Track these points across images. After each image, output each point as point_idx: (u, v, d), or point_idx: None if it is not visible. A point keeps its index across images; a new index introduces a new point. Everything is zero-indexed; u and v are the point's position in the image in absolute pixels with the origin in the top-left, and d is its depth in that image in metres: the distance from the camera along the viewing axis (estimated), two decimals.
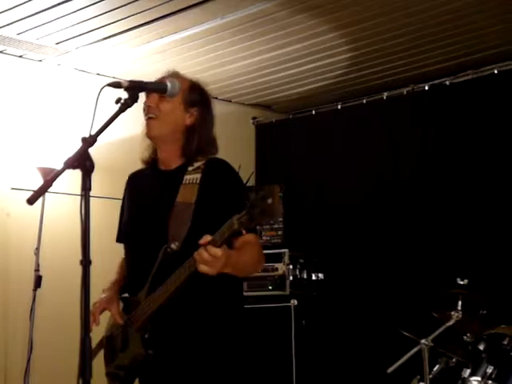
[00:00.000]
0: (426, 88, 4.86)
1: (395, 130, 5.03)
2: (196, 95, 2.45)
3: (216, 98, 5.63)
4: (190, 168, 2.41)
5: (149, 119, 2.40)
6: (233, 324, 2.38)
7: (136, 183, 2.57)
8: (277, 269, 4.50)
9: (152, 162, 2.51)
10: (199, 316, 2.31)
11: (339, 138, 5.30)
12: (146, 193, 2.49)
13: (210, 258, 2.06)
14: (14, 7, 3.82)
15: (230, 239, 2.12)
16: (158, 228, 2.34)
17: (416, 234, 4.72)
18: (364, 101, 5.18)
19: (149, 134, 2.42)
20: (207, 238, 2.09)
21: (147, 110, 2.39)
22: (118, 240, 2.62)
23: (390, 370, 3.48)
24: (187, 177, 2.39)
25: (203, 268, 2.07)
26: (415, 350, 3.41)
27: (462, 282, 3.58)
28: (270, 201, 1.91)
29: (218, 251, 2.05)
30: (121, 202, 2.63)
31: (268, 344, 4.42)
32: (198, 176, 2.37)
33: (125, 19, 4.03)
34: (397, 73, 5.03)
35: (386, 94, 5.06)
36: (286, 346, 4.37)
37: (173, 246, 2.26)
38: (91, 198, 1.81)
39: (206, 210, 2.33)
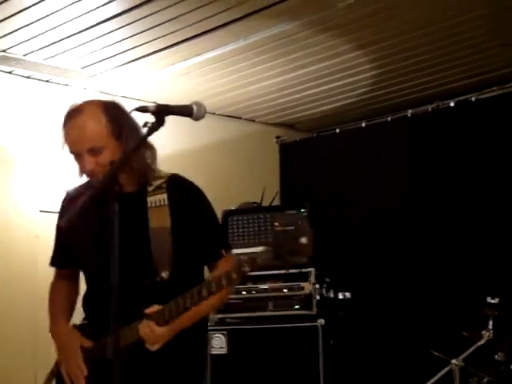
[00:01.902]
0: (452, 104, 4.83)
1: (420, 147, 5.00)
2: (116, 123, 2.23)
3: (240, 118, 5.67)
4: (150, 188, 2.31)
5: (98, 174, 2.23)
6: (202, 352, 2.43)
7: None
8: (303, 288, 4.47)
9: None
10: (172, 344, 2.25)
11: (364, 156, 5.29)
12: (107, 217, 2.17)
13: (151, 335, 2.14)
14: (40, 34, 3.89)
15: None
16: (141, 256, 2.25)
17: (445, 253, 4.67)
18: (388, 118, 5.16)
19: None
20: (154, 308, 2.15)
21: (91, 174, 2.26)
22: (55, 264, 2.54)
23: None
24: (151, 199, 2.30)
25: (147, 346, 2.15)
26: (446, 370, 3.38)
27: (492, 301, 3.54)
28: (304, 240, 1.82)
29: (159, 331, 2.13)
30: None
31: (295, 364, 4.38)
32: (164, 197, 2.29)
33: (149, 42, 4.08)
34: (421, 90, 5.01)
35: (410, 111, 5.04)
36: (313, 366, 4.33)
37: (163, 275, 2.23)
38: None
39: (182, 233, 2.28)
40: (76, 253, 2.45)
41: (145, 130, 1.99)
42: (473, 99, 4.74)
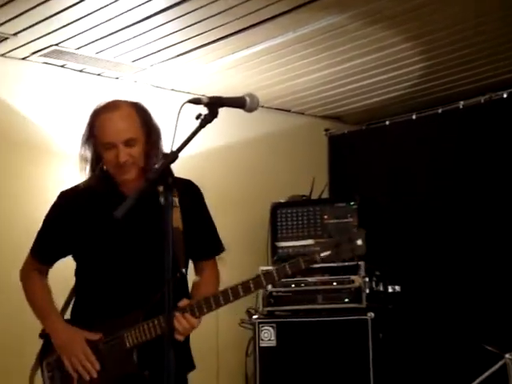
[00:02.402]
0: (505, 96, 4.73)
1: (472, 139, 4.91)
2: (145, 122, 2.47)
3: (289, 111, 5.67)
4: (161, 188, 2.34)
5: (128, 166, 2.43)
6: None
7: (93, 203, 2.51)
8: (353, 281, 4.45)
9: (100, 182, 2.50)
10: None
11: (414, 149, 5.22)
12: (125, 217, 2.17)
13: (187, 326, 2.31)
14: (92, 28, 3.95)
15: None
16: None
17: (498, 245, 4.59)
18: (439, 110, 5.08)
19: (128, 177, 2.44)
20: (185, 302, 2.32)
21: (123, 165, 2.41)
22: (47, 261, 2.61)
23: None
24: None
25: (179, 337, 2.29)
26: (499, 364, 3.33)
27: None
28: (359, 242, 2.17)
29: (194, 322, 2.32)
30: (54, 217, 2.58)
31: (344, 358, 4.37)
32: (175, 199, 2.42)
33: (198, 36, 4.11)
34: (473, 81, 4.93)
35: (462, 102, 4.95)
36: (362, 359, 4.32)
37: (183, 270, 2.44)
38: None
39: (190, 233, 2.47)
40: (85, 245, 2.53)
41: (198, 122, 2.01)
42: None
